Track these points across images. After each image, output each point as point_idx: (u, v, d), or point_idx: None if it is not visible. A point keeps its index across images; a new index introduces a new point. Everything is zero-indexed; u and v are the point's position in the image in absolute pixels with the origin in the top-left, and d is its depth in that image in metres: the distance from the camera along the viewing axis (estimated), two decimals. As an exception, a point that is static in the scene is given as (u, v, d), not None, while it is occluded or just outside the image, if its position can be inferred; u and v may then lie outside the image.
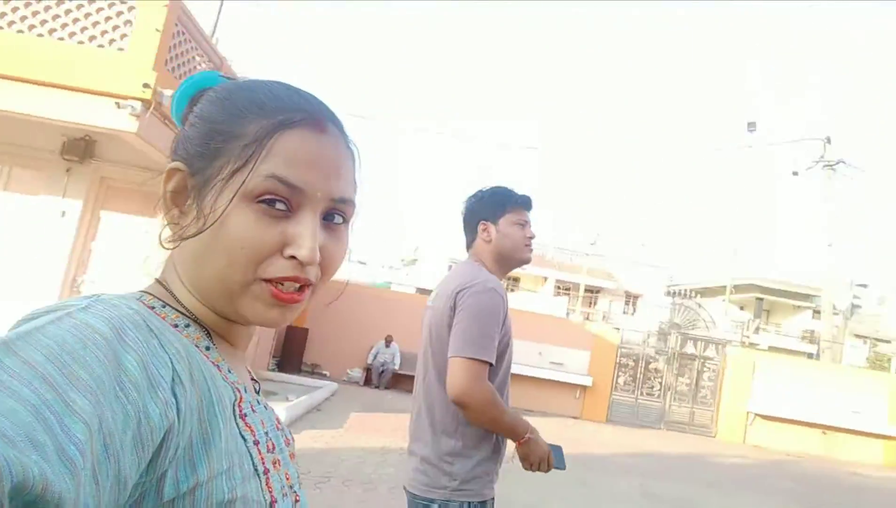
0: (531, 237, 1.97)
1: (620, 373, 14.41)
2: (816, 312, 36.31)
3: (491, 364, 1.74)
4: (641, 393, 14.39)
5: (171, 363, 0.50)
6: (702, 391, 14.32)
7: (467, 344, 1.71)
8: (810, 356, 30.97)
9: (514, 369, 9.73)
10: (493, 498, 1.82)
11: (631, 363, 14.49)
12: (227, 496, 0.52)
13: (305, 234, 0.57)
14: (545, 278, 35.74)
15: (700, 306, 38.76)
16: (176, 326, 0.58)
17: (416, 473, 1.82)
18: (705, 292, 39.86)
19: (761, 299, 35.58)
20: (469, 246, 1.99)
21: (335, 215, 0.61)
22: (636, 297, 37.11)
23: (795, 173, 19.98)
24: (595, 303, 37.13)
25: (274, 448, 0.62)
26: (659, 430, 13.81)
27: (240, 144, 0.57)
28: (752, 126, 20.81)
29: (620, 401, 14.10)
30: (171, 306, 0.60)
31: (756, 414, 13.96)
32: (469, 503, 1.75)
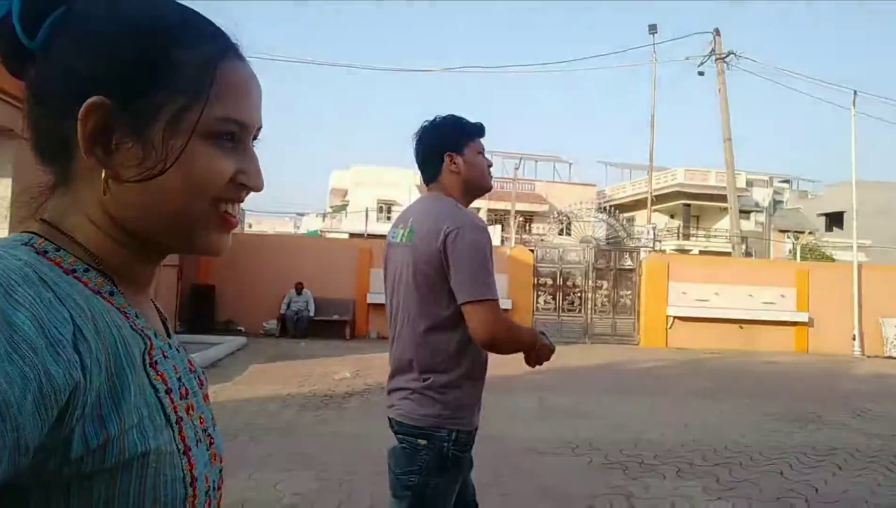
0: (490, 165, 2.00)
1: (540, 292, 14.38)
2: (742, 211, 37.63)
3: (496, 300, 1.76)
4: (563, 310, 14.43)
5: (71, 317, 0.47)
6: (622, 301, 14.47)
7: (479, 287, 1.72)
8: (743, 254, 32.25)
9: None
10: (476, 428, 1.88)
11: (550, 282, 14.45)
12: (139, 449, 0.50)
13: (255, 165, 0.61)
14: (478, 209, 35.55)
15: (633, 219, 39.48)
16: (74, 271, 0.53)
17: (403, 402, 1.81)
18: (636, 204, 40.73)
19: (688, 205, 36.39)
20: (432, 179, 1.95)
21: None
22: (569, 217, 37.39)
23: (701, 73, 19.93)
24: (530, 228, 37.33)
25: (187, 393, 0.61)
26: (584, 345, 13.96)
27: (181, 77, 0.55)
28: (652, 28, 20.56)
29: (543, 321, 14.11)
30: (65, 249, 0.55)
31: (675, 317, 14.24)
32: (459, 430, 1.79)
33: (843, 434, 6.12)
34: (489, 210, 35.24)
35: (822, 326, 14.47)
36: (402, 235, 1.89)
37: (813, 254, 32.58)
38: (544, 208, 36.46)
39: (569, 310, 14.45)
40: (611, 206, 41.89)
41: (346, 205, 36.34)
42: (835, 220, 40.01)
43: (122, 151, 0.55)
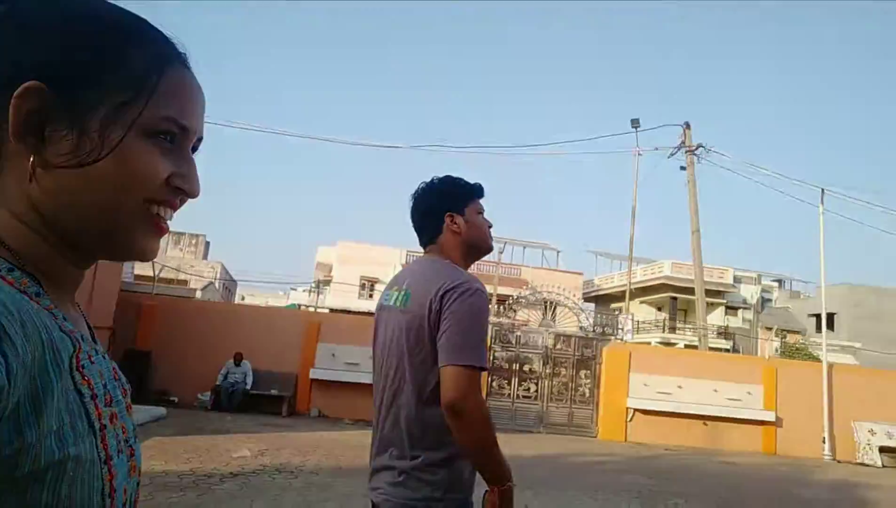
0: (491, 225, 1.92)
1: (495, 376, 13.74)
2: (730, 308, 37.18)
3: (484, 369, 1.62)
4: (518, 396, 13.74)
5: None
6: (580, 390, 13.80)
7: (462, 351, 1.59)
8: (727, 351, 31.47)
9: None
10: (472, 503, 1.70)
11: (506, 366, 13.85)
12: (56, 456, 0.47)
13: (193, 170, 0.60)
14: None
15: (620, 310, 38.97)
16: None
17: (390, 486, 1.66)
18: (624, 295, 40.38)
19: (675, 299, 35.99)
20: (430, 241, 1.88)
21: (194, 151, 0.63)
22: (554, 304, 36.95)
23: (683, 168, 20.07)
24: (513, 313, 36.75)
25: (111, 400, 0.58)
26: (539, 433, 13.19)
27: (125, 72, 0.55)
28: (635, 123, 20.88)
29: (497, 406, 13.41)
30: None
31: (635, 409, 13.53)
32: None
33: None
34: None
35: (791, 427, 13.71)
36: (396, 298, 1.79)
37: (799, 353, 31.93)
38: (527, 292, 36.03)
39: (524, 397, 13.76)
40: (598, 295, 41.87)
41: (330, 281, 36.03)
42: (825, 322, 39.46)
43: (55, 139, 0.54)
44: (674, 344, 31.40)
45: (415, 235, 1.94)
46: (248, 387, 12.17)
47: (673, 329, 34.93)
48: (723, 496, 7.84)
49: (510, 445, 11.33)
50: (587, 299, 41.01)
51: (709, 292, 36.53)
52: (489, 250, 1.92)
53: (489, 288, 33.56)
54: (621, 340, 14.66)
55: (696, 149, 16.73)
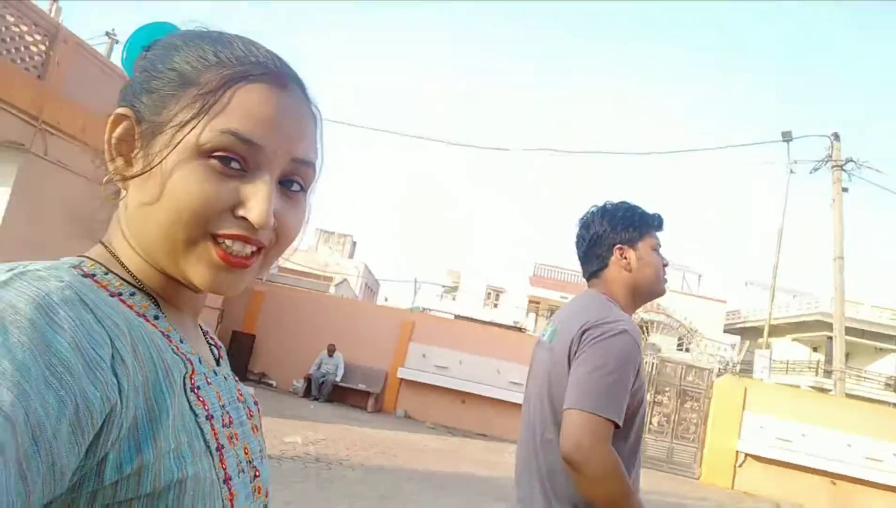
0: (667, 264, 1.74)
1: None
2: (904, 355, 32.30)
3: (618, 426, 1.43)
4: (612, 423, 12.82)
5: (110, 339, 0.46)
6: (682, 424, 12.58)
7: (588, 395, 1.42)
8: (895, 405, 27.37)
9: (469, 387, 10.27)
10: None
11: (601, 388, 12.99)
12: (175, 476, 0.49)
13: (260, 195, 0.54)
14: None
15: (769, 345, 35.62)
16: (120, 295, 0.54)
17: None
18: (773, 330, 36.61)
19: (831, 338, 31.97)
20: (594, 274, 1.72)
21: (294, 181, 0.58)
22: (692, 332, 34.45)
23: (845, 190, 17.64)
24: (647, 338, 34.77)
25: (231, 422, 0.59)
26: (632, 466, 12.20)
27: (193, 93, 0.55)
28: (787, 135, 18.72)
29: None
30: (114, 272, 0.56)
31: (746, 454, 12.05)
32: None
33: None
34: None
35: (947, 502, 11.48)
36: (547, 333, 1.69)
37: None
38: (661, 317, 33.88)
39: (619, 424, 12.81)
40: (744, 327, 38.36)
41: (457, 287, 36.39)
42: None
43: (136, 163, 0.55)
44: (828, 391, 27.88)
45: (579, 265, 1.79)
46: (338, 379, 12.48)
47: (829, 373, 31.00)
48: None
49: None
50: (731, 330, 37.78)
51: (876, 335, 32.17)
52: (661, 293, 1.72)
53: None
54: (736, 374, 13.18)
55: (846, 164, 14.60)
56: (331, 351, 12.64)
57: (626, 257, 1.67)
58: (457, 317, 26.86)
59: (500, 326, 21.79)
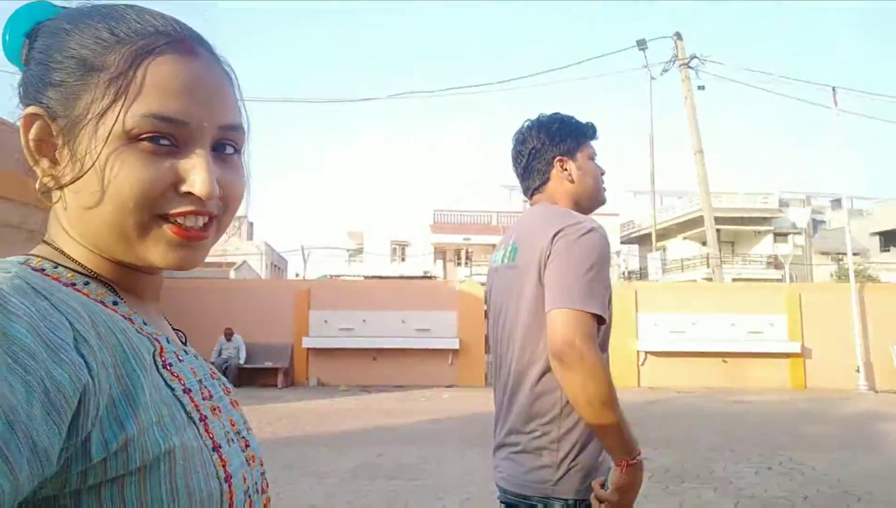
0: (604, 172, 1.71)
1: (495, 330, 13.25)
2: (778, 234, 35.21)
3: (603, 320, 1.41)
4: (521, 348, 13.23)
5: (69, 322, 0.46)
6: (585, 337, 13.16)
7: (572, 293, 1.38)
8: (779, 281, 29.85)
9: (377, 343, 10.58)
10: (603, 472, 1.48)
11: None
12: (162, 447, 0.49)
13: (198, 168, 0.54)
14: (493, 246, 34.55)
15: (664, 249, 37.47)
16: (73, 285, 0.54)
17: (508, 463, 1.53)
18: (666, 233, 38.82)
19: (719, 231, 34.30)
20: (536, 189, 1.68)
21: (226, 144, 0.58)
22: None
23: (701, 87, 18.53)
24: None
25: (211, 395, 0.60)
26: (545, 385, 12.70)
27: (103, 79, 0.53)
28: (642, 44, 19.39)
29: (499, 360, 12.99)
30: (63, 265, 0.55)
31: (647, 352, 12.83)
32: (578, 501, 1.44)
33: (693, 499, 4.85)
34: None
35: (820, 357, 12.73)
36: (503, 256, 1.64)
37: (859, 277, 29.92)
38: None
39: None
40: (640, 235, 40.46)
41: (361, 249, 36.03)
42: (889, 239, 37.08)
43: (62, 161, 0.54)
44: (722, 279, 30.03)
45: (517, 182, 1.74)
46: (242, 361, 12.12)
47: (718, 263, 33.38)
48: (709, 441, 7.20)
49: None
50: (627, 240, 39.71)
51: (753, 220, 34.79)
52: (603, 202, 1.71)
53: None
54: (626, 278, 13.86)
55: (691, 61, 15.32)
56: (228, 335, 12.21)
57: (566, 169, 1.64)
58: (366, 278, 26.67)
59: (402, 278, 21.79)
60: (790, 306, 12.95)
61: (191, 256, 0.56)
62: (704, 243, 36.58)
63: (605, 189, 1.71)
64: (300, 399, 10.47)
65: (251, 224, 42.22)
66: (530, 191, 1.70)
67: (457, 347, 12.56)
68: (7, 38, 0.58)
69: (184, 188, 0.54)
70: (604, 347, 1.49)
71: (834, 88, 13.94)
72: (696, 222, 35.19)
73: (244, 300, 12.88)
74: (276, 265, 36.61)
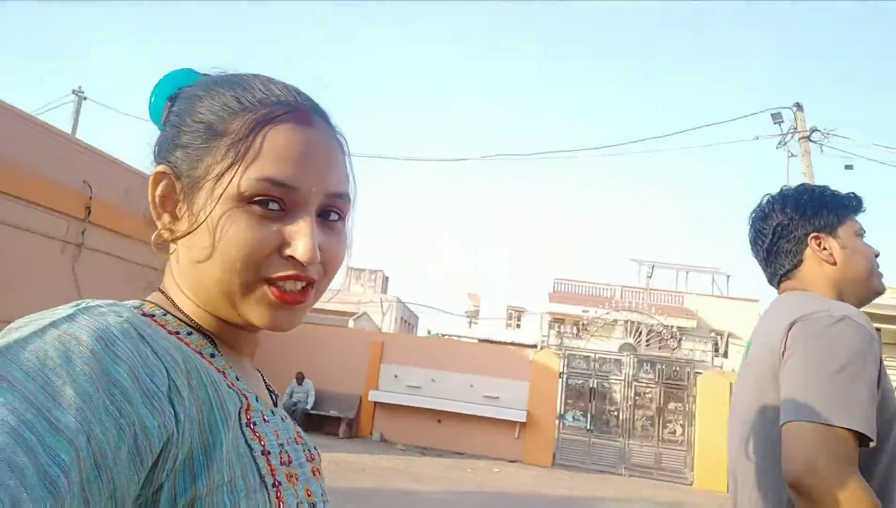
0: (878, 254, 1.41)
1: (568, 407, 12.36)
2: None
3: (862, 438, 1.09)
4: (596, 430, 12.19)
5: (167, 371, 0.48)
6: (668, 427, 11.87)
7: (815, 402, 1.11)
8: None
9: (442, 405, 10.25)
10: None
11: (580, 395, 12.42)
12: None
13: (302, 233, 0.56)
14: (615, 321, 32.93)
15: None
16: (177, 333, 0.57)
17: None
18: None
19: (878, 330, 30.13)
20: (785, 274, 1.42)
21: (331, 211, 0.60)
22: (724, 335, 33.09)
23: (849, 167, 16.63)
24: (678, 346, 33.53)
25: (291, 461, 0.60)
26: (619, 475, 11.54)
27: (225, 143, 0.56)
28: (777, 118, 17.93)
29: (570, 440, 12.03)
30: (172, 314, 0.59)
31: (740, 454, 11.25)
32: None
33: None
34: (626, 322, 32.45)
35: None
36: (745, 353, 1.44)
37: None
38: (692, 323, 32.63)
39: (603, 431, 12.18)
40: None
41: (478, 311, 35.97)
42: None
43: (181, 217, 0.58)
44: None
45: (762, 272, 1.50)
46: (309, 407, 12.30)
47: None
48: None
49: (595, 486, 10.04)
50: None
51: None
52: (880, 291, 1.39)
53: (639, 317, 31.09)
54: (720, 367, 12.46)
55: (811, 134, 13.75)
56: (300, 379, 12.49)
57: (825, 248, 1.37)
58: (480, 341, 26.44)
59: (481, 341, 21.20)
60: None
61: (288, 317, 0.58)
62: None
63: (881, 275, 1.38)
64: (355, 452, 10.35)
65: (386, 278, 44.06)
66: (777, 278, 1.43)
67: (524, 420, 11.86)
68: (154, 100, 0.64)
69: (287, 252, 0.56)
70: (887, 483, 1.17)
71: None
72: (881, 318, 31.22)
73: (320, 346, 13.17)
74: (405, 321, 37.54)
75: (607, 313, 28.14)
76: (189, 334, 0.57)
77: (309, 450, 0.66)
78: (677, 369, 12.16)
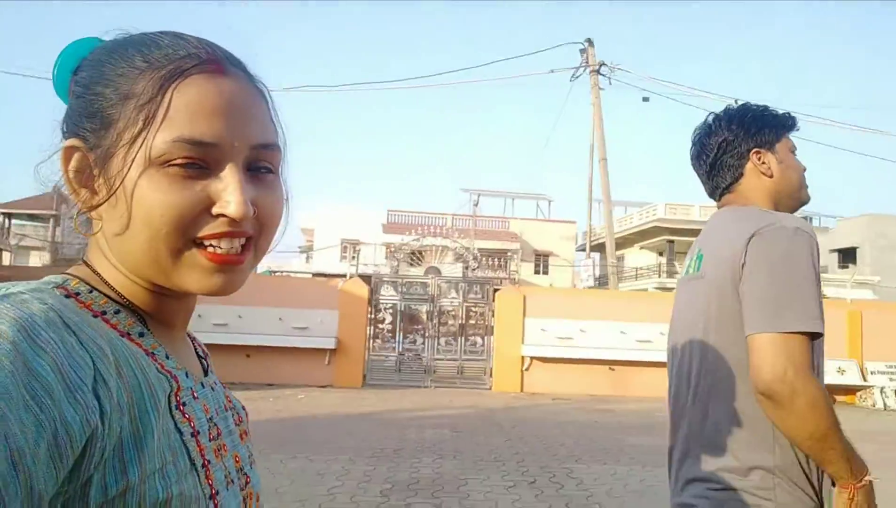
0: (805, 169, 1.50)
1: (378, 331, 12.85)
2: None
3: (819, 335, 1.21)
4: (402, 350, 12.83)
5: (93, 361, 0.46)
6: (470, 340, 12.79)
7: (777, 311, 1.19)
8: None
9: (249, 340, 9.65)
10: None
11: (388, 319, 12.94)
12: (161, 495, 0.49)
13: (230, 188, 0.53)
14: (444, 248, 34.18)
15: (621, 257, 37.08)
16: (104, 313, 0.54)
17: (703, 502, 1.29)
18: (624, 242, 38.61)
19: (672, 242, 34.17)
20: (726, 188, 1.49)
21: (261, 164, 0.57)
22: (545, 256, 35.71)
23: (646, 99, 18.17)
24: (505, 266, 35.66)
25: (219, 433, 0.60)
26: (425, 388, 12.30)
27: (133, 106, 0.53)
28: (586, 43, 19.05)
29: (379, 362, 12.56)
30: (98, 289, 0.56)
31: (532, 358, 12.45)
32: None
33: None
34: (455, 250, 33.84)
35: (710, 368, 12.42)
36: (689, 266, 1.50)
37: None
38: (516, 246, 34.80)
39: (409, 350, 12.84)
40: (599, 243, 40.28)
41: (311, 245, 35.56)
42: (848, 256, 37.17)
43: (100, 190, 0.54)
44: (671, 289, 29.81)
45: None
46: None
47: (671, 274, 33.19)
48: (522, 450, 6.83)
49: (382, 399, 10.63)
50: (580, 248, 39.51)
51: (698, 233, 34.35)
52: (806, 201, 1.51)
53: (466, 242, 32.56)
54: (514, 282, 13.54)
55: (600, 68, 15.02)
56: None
57: (764, 162, 1.45)
58: (314, 275, 26.17)
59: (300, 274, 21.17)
60: (681, 315, 12.62)
61: (228, 280, 0.55)
62: (661, 253, 36.48)
63: (807, 186, 1.49)
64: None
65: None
66: (719, 191, 1.51)
67: (333, 346, 12.14)
68: (57, 72, 0.59)
69: (216, 210, 0.53)
70: (818, 368, 1.28)
71: (736, 101, 13.62)
72: (652, 232, 35.04)
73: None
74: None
75: (436, 240, 29.17)
76: (117, 312, 0.55)
77: (237, 412, 0.65)
78: (478, 287, 12.99)
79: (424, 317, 12.92)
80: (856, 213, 38.41)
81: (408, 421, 8.47)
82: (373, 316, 12.75)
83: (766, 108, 1.51)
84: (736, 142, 1.47)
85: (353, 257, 34.28)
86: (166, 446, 0.51)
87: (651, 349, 12.35)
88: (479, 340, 12.82)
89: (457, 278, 13.21)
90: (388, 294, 12.95)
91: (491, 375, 12.58)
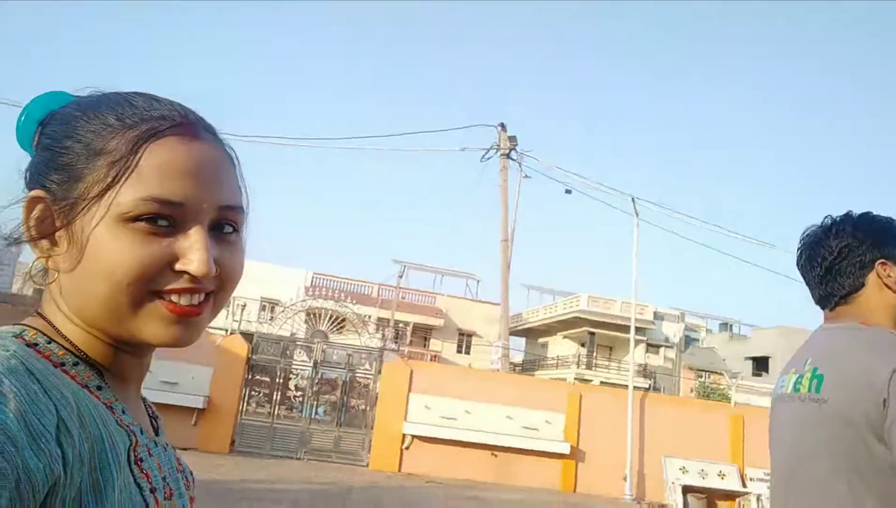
0: None
1: (253, 392, 12.15)
2: (651, 345, 35.70)
3: None
4: (279, 416, 12.11)
5: (56, 410, 0.46)
6: (351, 411, 12.20)
7: None
8: (646, 390, 29.86)
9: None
10: None
11: (267, 380, 12.28)
12: None
13: (195, 246, 0.54)
14: (367, 317, 33.56)
15: (545, 345, 37.06)
16: (63, 364, 0.53)
17: None
18: (549, 330, 38.84)
19: (593, 334, 34.54)
20: (842, 297, 1.38)
21: (224, 224, 0.58)
22: (469, 335, 35.47)
23: (568, 192, 18.61)
24: (428, 344, 35.18)
25: (171, 494, 0.59)
26: (298, 460, 11.54)
27: (104, 162, 0.54)
28: (512, 138, 19.59)
29: (251, 425, 11.79)
30: (56, 341, 0.55)
31: (413, 436, 11.92)
32: None
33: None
34: (378, 319, 33.27)
35: (594, 461, 12.14)
36: (797, 383, 1.35)
37: (714, 395, 30.36)
38: (440, 322, 34.47)
39: (286, 416, 12.13)
40: (526, 328, 40.34)
41: (231, 302, 34.37)
42: (761, 364, 38.33)
43: (60, 241, 0.55)
44: (589, 381, 29.73)
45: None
46: None
47: (590, 366, 33.32)
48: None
49: (264, 470, 9.82)
50: (515, 332, 39.51)
51: (628, 328, 35.13)
52: None
53: (406, 317, 31.93)
54: (401, 356, 13.16)
55: (510, 152, 15.45)
56: None
57: (891, 275, 1.36)
58: (230, 332, 25.03)
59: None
60: (570, 405, 12.42)
61: (185, 333, 0.55)
62: (583, 344, 36.77)
63: None
64: None
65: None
66: (834, 299, 1.40)
67: (202, 406, 11.35)
68: (23, 122, 0.59)
69: (179, 266, 0.53)
70: None
71: (633, 198, 14.14)
72: (574, 322, 35.36)
73: None
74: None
75: (356, 308, 28.60)
76: (75, 364, 0.54)
77: (186, 476, 0.63)
78: (364, 356, 12.54)
79: (305, 383, 12.30)
80: (771, 323, 40.00)
81: (246, 493, 7.80)
82: (250, 377, 12.06)
83: (892, 220, 1.45)
84: (861, 250, 1.39)
85: (271, 318, 33.32)
86: (127, 499, 0.50)
87: (537, 438, 12.04)
88: (359, 413, 12.23)
89: (344, 344, 12.75)
90: (269, 355, 12.32)
91: (369, 451, 11.94)
